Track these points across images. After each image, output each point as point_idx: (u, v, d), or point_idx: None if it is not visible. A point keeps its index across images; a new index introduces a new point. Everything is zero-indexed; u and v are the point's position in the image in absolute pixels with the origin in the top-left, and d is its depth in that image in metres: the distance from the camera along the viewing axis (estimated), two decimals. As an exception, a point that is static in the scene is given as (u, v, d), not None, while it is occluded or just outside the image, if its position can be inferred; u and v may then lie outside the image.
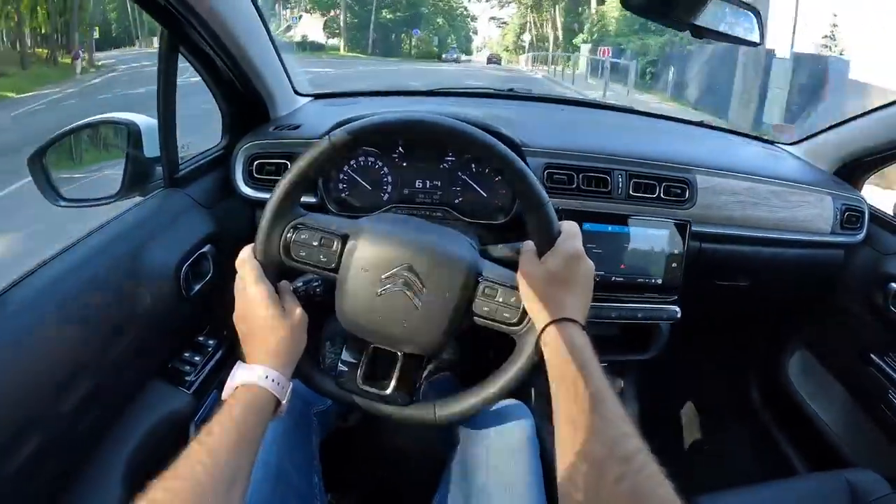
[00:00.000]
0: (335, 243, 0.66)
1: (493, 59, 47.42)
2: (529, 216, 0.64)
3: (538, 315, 0.60)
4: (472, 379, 0.71)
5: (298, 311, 0.65)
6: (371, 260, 0.65)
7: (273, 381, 0.58)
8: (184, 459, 0.49)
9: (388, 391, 0.70)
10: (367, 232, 0.66)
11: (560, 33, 32.13)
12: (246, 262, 0.64)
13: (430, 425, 0.70)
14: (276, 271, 0.66)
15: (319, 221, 0.66)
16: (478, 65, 43.18)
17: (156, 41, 1.01)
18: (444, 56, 44.37)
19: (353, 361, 0.72)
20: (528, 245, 0.65)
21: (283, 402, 0.60)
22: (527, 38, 37.52)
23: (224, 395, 0.59)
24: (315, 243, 0.65)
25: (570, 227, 0.64)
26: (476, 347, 1.11)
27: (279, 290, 0.65)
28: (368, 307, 0.66)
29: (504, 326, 0.66)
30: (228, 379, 0.59)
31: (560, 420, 0.52)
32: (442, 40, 52.91)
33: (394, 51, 45.85)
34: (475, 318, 0.67)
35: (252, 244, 0.66)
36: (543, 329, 0.59)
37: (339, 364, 0.73)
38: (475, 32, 69.44)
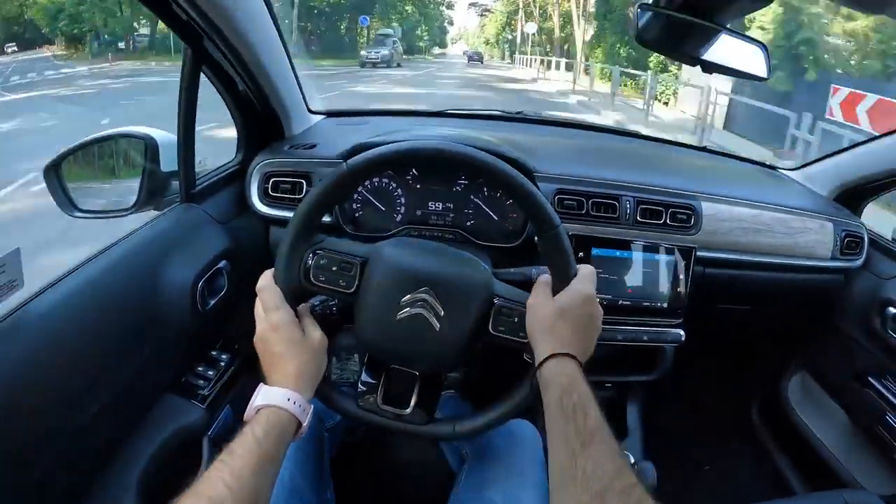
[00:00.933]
0: (354, 268, 0.68)
1: (475, 58, 37.28)
2: (549, 254, 0.65)
3: (540, 347, 0.62)
4: (476, 397, 0.73)
5: (318, 334, 0.66)
6: (390, 283, 0.67)
7: (295, 403, 0.59)
8: (206, 479, 0.49)
9: (408, 410, 0.72)
10: (386, 256, 0.68)
11: (582, 29, 21.05)
12: (266, 288, 0.65)
13: (449, 440, 0.72)
14: (296, 295, 0.67)
15: (338, 246, 0.68)
16: (455, 66, 32.13)
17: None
18: (364, 55, 22.58)
19: (373, 382, 0.74)
20: (544, 277, 0.67)
21: (304, 423, 0.61)
22: (530, 28, 27.88)
23: (246, 416, 0.59)
24: (334, 268, 0.67)
25: (586, 271, 0.66)
26: (481, 367, 1.12)
27: (299, 314, 0.67)
28: (388, 329, 0.67)
29: (521, 345, 0.67)
30: (251, 400, 0.60)
31: (557, 452, 0.53)
32: (408, 32, 37.87)
33: (343, 48, 29.88)
34: (492, 336, 0.68)
35: (271, 269, 0.67)
36: (543, 362, 0.60)
37: (359, 385, 0.74)
38: (451, 23, 59.60)
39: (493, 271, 0.74)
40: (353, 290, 0.68)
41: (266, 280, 0.66)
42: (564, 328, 0.61)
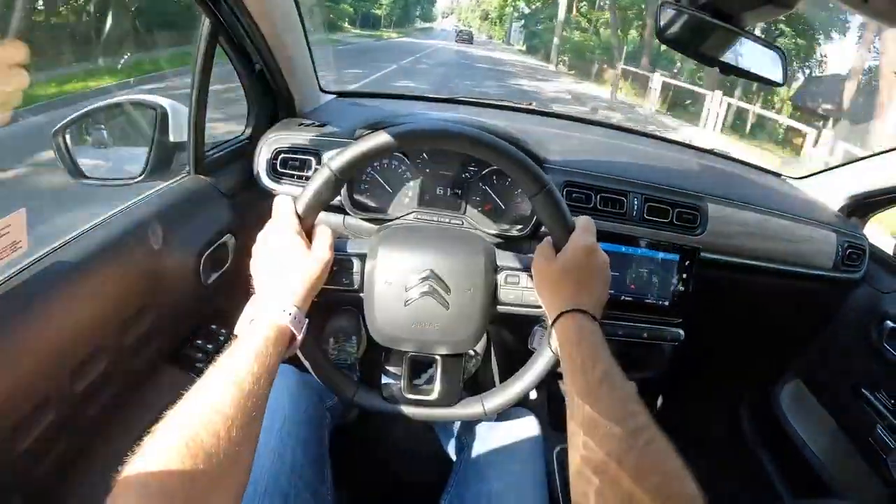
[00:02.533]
0: (355, 264, 0.68)
1: (464, 35, 33.96)
2: (545, 214, 0.65)
3: (550, 307, 0.62)
4: (482, 382, 0.74)
5: (325, 250, 0.62)
6: (393, 273, 0.67)
7: (290, 315, 0.56)
8: (205, 387, 0.47)
9: (434, 395, 0.73)
10: (384, 247, 0.69)
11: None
12: (282, 201, 0.63)
13: (479, 418, 0.72)
14: (307, 228, 0.65)
15: (335, 245, 0.67)
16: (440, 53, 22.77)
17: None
18: None
19: (396, 373, 0.74)
20: (546, 239, 0.67)
21: (299, 337, 0.58)
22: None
23: (237, 329, 0.57)
24: (335, 268, 0.66)
25: (584, 222, 0.66)
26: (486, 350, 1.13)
27: (314, 228, 0.64)
28: (399, 317, 0.68)
29: (533, 310, 0.68)
30: (243, 314, 0.57)
31: (570, 403, 0.53)
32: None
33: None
34: (504, 306, 0.69)
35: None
36: (555, 320, 0.61)
37: (382, 377, 0.74)
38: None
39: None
40: (357, 286, 0.68)
41: (284, 197, 0.64)
42: (570, 284, 0.61)
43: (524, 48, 36.40)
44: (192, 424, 0.43)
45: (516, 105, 1.44)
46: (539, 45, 32.65)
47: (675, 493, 0.42)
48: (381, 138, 0.63)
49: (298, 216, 0.63)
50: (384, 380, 0.75)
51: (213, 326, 0.97)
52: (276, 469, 0.71)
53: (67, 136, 0.97)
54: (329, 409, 0.88)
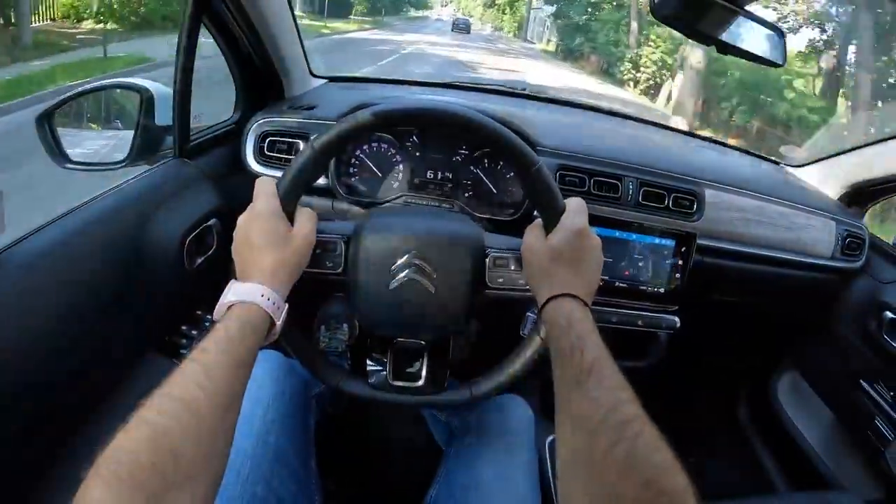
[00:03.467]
0: (338, 246, 0.66)
1: (461, 24, 30.85)
2: (535, 194, 0.64)
3: (539, 292, 0.60)
4: (472, 369, 0.72)
5: (307, 230, 0.61)
6: (377, 254, 0.65)
7: (268, 299, 0.55)
8: (177, 379, 0.45)
9: (421, 382, 0.71)
10: (368, 228, 0.67)
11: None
12: (262, 181, 0.62)
13: (467, 405, 0.71)
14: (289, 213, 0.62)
15: (319, 227, 0.65)
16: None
17: None
18: None
19: (381, 360, 0.73)
20: (536, 221, 0.65)
21: (278, 323, 0.56)
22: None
23: (216, 314, 0.55)
24: (318, 251, 0.64)
25: (575, 204, 0.63)
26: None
27: (296, 211, 0.62)
28: (384, 301, 0.66)
29: (523, 293, 0.66)
30: (222, 297, 0.55)
31: (558, 392, 0.51)
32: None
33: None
34: (491, 290, 0.67)
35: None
36: (544, 305, 0.59)
37: (368, 364, 0.73)
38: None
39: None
40: (340, 269, 0.66)
41: (265, 179, 0.62)
42: (560, 268, 0.59)
43: (553, 49, 23.45)
44: (163, 419, 0.42)
45: (511, 89, 1.42)
46: (584, 48, 18.79)
47: (665, 487, 0.40)
48: (364, 116, 0.61)
49: (280, 198, 0.60)
50: (370, 366, 0.73)
51: (199, 312, 0.96)
52: (258, 455, 0.69)
53: (53, 121, 0.96)
54: (315, 397, 0.86)
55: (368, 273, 0.66)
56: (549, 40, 25.97)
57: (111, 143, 1.04)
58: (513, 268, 0.67)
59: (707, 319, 1.26)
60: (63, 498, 0.67)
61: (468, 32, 30.39)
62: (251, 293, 0.54)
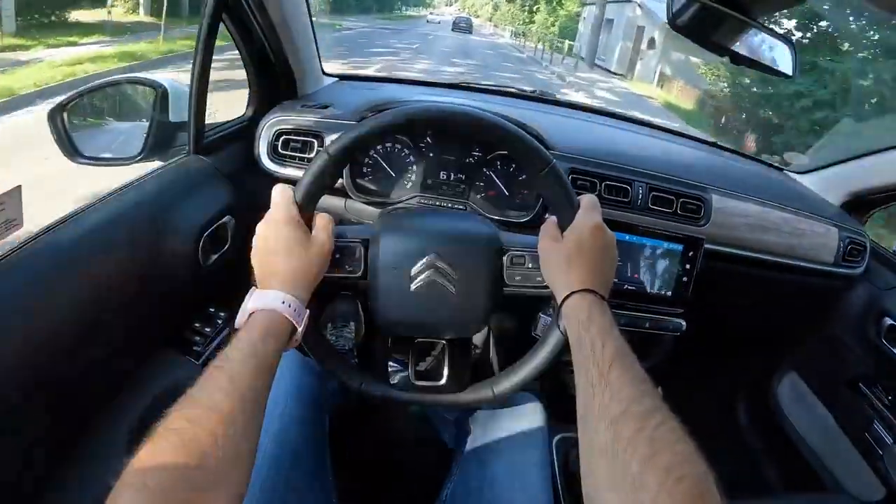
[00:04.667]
0: (357, 251, 0.67)
1: (461, 23, 28.98)
2: (549, 193, 0.65)
3: (558, 288, 0.61)
4: (481, 370, 0.73)
5: (324, 237, 0.62)
6: (397, 258, 0.66)
7: (289, 306, 0.55)
8: (202, 387, 0.47)
9: (443, 381, 0.72)
10: (387, 232, 0.68)
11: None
12: (280, 190, 0.62)
13: (490, 403, 0.71)
14: (308, 216, 0.63)
15: (337, 231, 0.66)
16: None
17: None
18: None
19: (403, 360, 0.73)
20: (551, 219, 0.66)
21: (300, 329, 0.57)
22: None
23: (238, 322, 0.56)
24: (337, 255, 0.65)
25: (589, 201, 0.65)
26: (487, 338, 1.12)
27: (314, 217, 0.63)
28: (405, 303, 0.67)
29: (541, 290, 0.67)
30: (243, 304, 0.56)
31: (580, 385, 0.52)
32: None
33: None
34: (510, 288, 0.68)
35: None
36: (563, 302, 0.60)
37: (390, 365, 0.74)
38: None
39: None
40: (361, 272, 0.67)
41: (282, 186, 0.63)
42: (578, 265, 0.60)
43: (689, 103, 12.96)
44: (190, 426, 0.43)
45: (521, 92, 1.43)
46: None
47: (686, 473, 0.41)
48: (382, 121, 0.62)
49: (297, 205, 0.61)
50: (391, 367, 0.74)
51: (212, 309, 0.96)
52: (276, 453, 0.70)
53: (65, 116, 0.96)
54: (330, 395, 0.87)
55: (389, 276, 0.66)
56: (667, 83, 14.75)
57: (120, 138, 1.05)
58: (530, 266, 0.68)
59: (710, 322, 1.28)
60: (79, 493, 0.68)
61: (469, 32, 28.00)
62: (272, 300, 0.55)
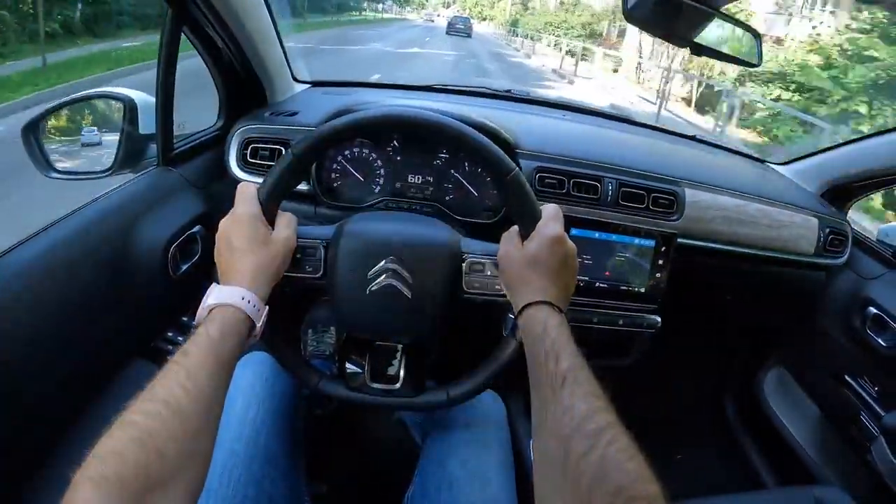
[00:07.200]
0: (318, 251, 0.67)
1: (458, 24, 25.89)
2: (511, 201, 0.64)
3: (515, 298, 0.61)
4: (444, 373, 0.73)
5: (286, 234, 0.62)
6: (355, 259, 0.66)
7: (249, 302, 0.56)
8: (161, 381, 0.47)
9: (398, 385, 0.72)
10: (347, 233, 0.68)
11: None
12: (243, 187, 0.63)
13: (443, 407, 0.71)
14: (271, 216, 0.64)
15: (300, 231, 0.66)
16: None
17: None
18: None
19: (360, 362, 0.73)
20: (513, 228, 0.66)
21: (259, 325, 0.57)
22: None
23: (197, 318, 0.56)
24: (298, 255, 0.66)
25: (551, 211, 0.64)
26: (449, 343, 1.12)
27: (277, 214, 0.64)
28: (362, 305, 0.67)
29: (499, 298, 0.67)
30: (203, 300, 0.56)
31: (533, 398, 0.52)
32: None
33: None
34: (468, 295, 0.68)
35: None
36: (520, 312, 0.59)
37: (347, 366, 0.74)
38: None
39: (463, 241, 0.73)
40: (320, 274, 0.67)
41: (246, 184, 0.63)
42: (536, 275, 0.60)
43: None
44: (146, 421, 0.43)
45: (494, 91, 1.43)
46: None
47: (637, 494, 0.41)
48: (342, 122, 0.63)
49: (261, 202, 0.62)
50: (349, 368, 0.74)
51: (184, 319, 0.97)
52: (249, 457, 0.71)
53: (38, 132, 0.97)
54: (305, 399, 0.87)
55: (347, 277, 0.67)
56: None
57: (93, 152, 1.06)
58: (489, 273, 0.67)
59: (691, 318, 1.27)
60: (51, 499, 0.69)
61: (469, 36, 24.51)
62: (232, 296, 0.55)
